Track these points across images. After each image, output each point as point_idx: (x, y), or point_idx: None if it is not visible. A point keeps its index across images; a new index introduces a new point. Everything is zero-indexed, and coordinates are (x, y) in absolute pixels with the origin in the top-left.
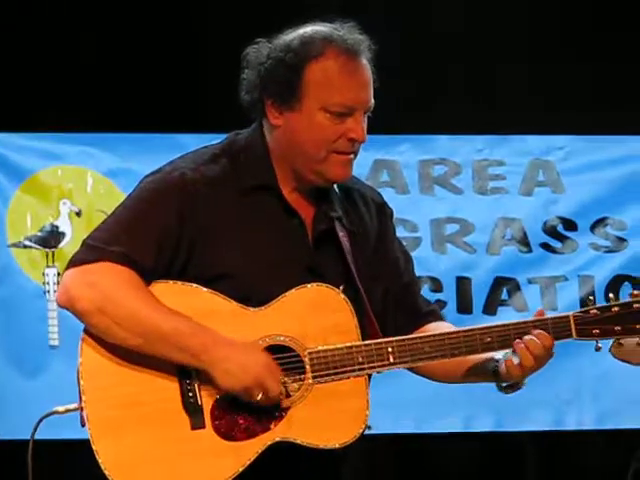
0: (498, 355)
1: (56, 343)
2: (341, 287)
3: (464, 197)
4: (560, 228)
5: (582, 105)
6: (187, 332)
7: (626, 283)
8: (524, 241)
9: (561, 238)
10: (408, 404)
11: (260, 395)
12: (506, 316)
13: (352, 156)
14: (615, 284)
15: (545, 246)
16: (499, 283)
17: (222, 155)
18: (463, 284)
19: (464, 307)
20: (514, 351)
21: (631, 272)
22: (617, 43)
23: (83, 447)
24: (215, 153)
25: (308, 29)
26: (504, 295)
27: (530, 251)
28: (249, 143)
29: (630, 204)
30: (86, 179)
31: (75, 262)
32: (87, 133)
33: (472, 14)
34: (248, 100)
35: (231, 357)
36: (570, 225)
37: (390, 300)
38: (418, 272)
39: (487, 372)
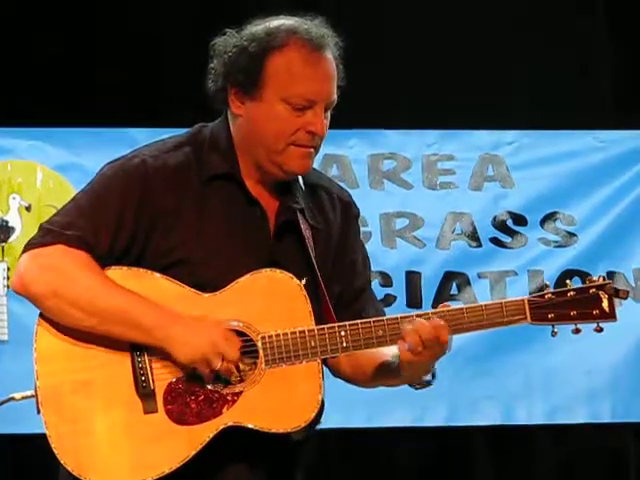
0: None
1: (5, 338)
2: (303, 280)
3: (414, 192)
4: (510, 223)
5: (531, 100)
6: (141, 310)
7: (575, 278)
8: (474, 236)
9: (511, 233)
10: (359, 398)
11: (219, 363)
12: None
13: (312, 150)
14: (564, 279)
15: (495, 241)
16: (449, 278)
17: (186, 144)
18: (413, 279)
19: (414, 302)
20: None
21: (580, 267)
22: (566, 39)
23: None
24: (180, 141)
25: (275, 21)
26: (454, 290)
27: (480, 246)
28: (214, 133)
29: (579, 199)
30: (36, 174)
31: (30, 246)
32: (37, 127)
33: (423, 10)
34: (213, 89)
35: (186, 330)
36: (520, 220)
37: (341, 301)
38: None
39: (393, 369)
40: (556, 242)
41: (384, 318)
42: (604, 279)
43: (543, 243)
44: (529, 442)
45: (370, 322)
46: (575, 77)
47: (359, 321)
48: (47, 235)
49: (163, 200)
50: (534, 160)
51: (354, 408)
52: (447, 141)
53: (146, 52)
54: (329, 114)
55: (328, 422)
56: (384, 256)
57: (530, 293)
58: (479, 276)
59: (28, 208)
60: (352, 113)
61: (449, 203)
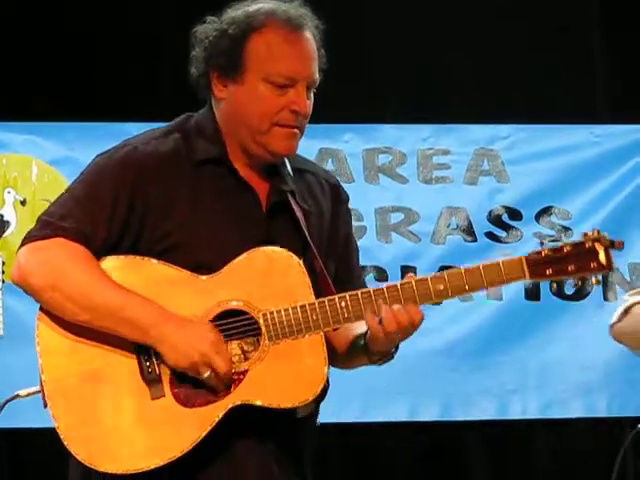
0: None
1: (1, 333)
2: (301, 260)
3: (409, 186)
4: (505, 217)
5: (526, 95)
6: (135, 308)
7: None
8: (469, 230)
9: (506, 227)
10: (353, 393)
11: (208, 372)
12: (450, 305)
13: (296, 130)
14: None
15: (490, 235)
16: None
17: (174, 131)
18: (408, 273)
19: None
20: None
21: None
22: (560, 34)
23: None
24: (168, 129)
25: (254, 4)
26: None
27: (475, 240)
28: (200, 120)
29: (575, 193)
30: (31, 168)
31: (29, 239)
32: (32, 122)
33: (421, 3)
34: (196, 76)
35: (178, 333)
36: (515, 214)
37: (336, 280)
38: (363, 261)
39: (359, 347)
40: (551, 236)
41: (383, 286)
42: (599, 232)
43: (538, 237)
44: (524, 437)
45: (370, 291)
46: (570, 72)
47: (359, 291)
48: (46, 228)
49: (155, 185)
50: (529, 154)
51: (347, 402)
52: (442, 135)
53: (141, 47)
54: (312, 95)
55: (321, 416)
56: (379, 251)
57: (525, 288)
58: None
59: (23, 202)
60: (347, 107)
61: (444, 197)
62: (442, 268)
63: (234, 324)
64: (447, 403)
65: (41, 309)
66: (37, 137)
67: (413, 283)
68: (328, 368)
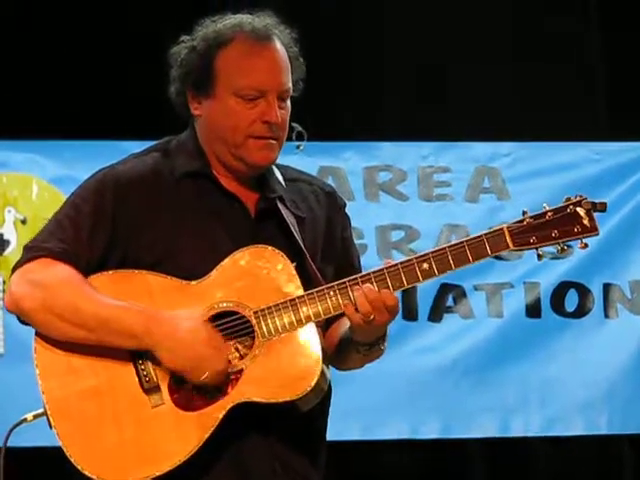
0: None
1: (1, 351)
2: (294, 264)
3: (409, 204)
4: None
5: (527, 112)
6: (127, 316)
7: (572, 290)
8: None
9: None
10: (354, 411)
11: (206, 374)
12: (452, 323)
13: (272, 141)
14: (561, 291)
15: None
16: (445, 290)
17: (154, 151)
18: (408, 290)
19: (409, 314)
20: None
21: (577, 279)
22: (563, 49)
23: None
24: (147, 150)
25: (223, 20)
26: (450, 302)
27: None
28: (182, 139)
29: None
30: (31, 186)
31: (17, 266)
32: (32, 140)
33: (420, 19)
34: (174, 95)
35: (173, 336)
36: None
37: (339, 279)
38: None
39: (348, 341)
40: (552, 254)
41: (370, 272)
42: (580, 196)
43: (539, 255)
44: (526, 454)
45: (357, 278)
46: (570, 89)
47: (346, 279)
48: (30, 252)
49: (136, 200)
50: (530, 172)
51: (348, 420)
52: (443, 153)
53: (138, 64)
54: (288, 104)
55: None
56: None
57: (526, 305)
58: (475, 288)
59: (23, 221)
60: (347, 125)
61: (445, 215)
62: (443, 286)
63: (227, 325)
64: (448, 421)
65: (36, 332)
66: (37, 155)
67: (399, 265)
68: (323, 358)
